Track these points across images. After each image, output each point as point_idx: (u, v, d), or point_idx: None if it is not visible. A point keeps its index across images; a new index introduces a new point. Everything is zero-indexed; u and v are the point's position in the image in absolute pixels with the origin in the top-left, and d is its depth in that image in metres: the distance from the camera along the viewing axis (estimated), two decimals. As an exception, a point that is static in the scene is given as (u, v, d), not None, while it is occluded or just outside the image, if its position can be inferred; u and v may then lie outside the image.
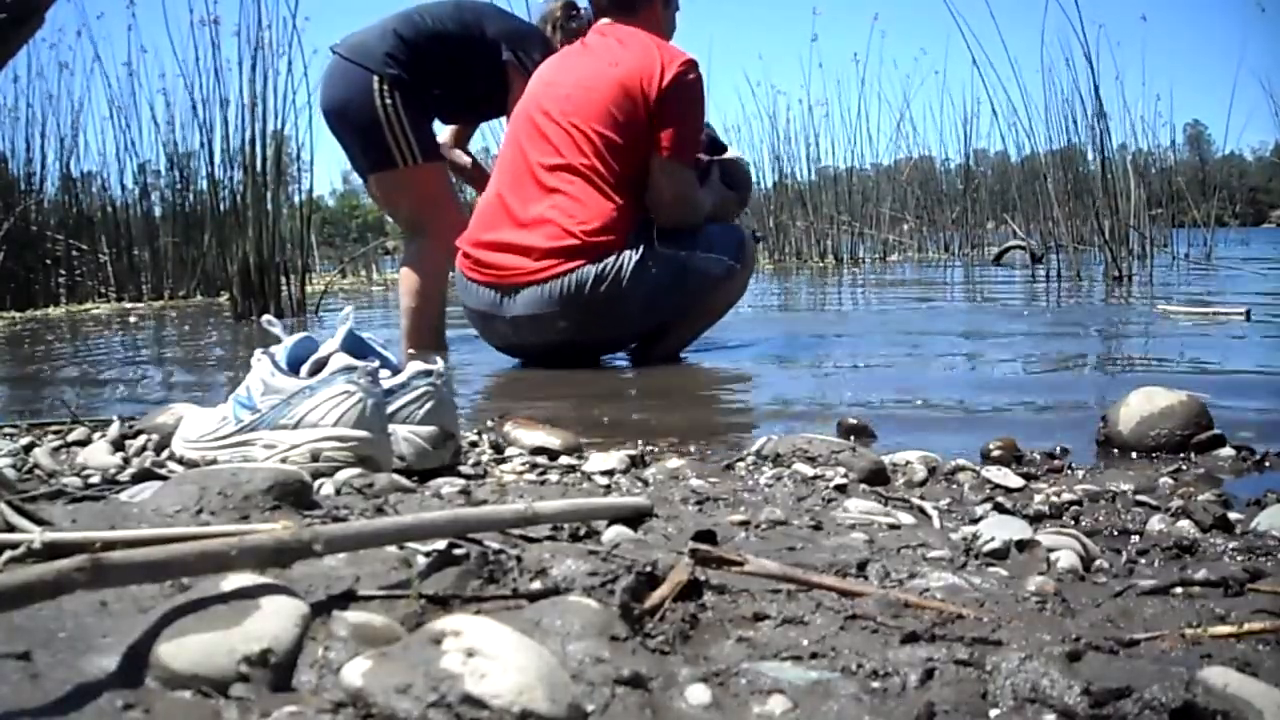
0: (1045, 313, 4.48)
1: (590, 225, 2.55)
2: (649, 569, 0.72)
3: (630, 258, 2.57)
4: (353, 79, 2.99)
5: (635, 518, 0.97)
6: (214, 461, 1.27)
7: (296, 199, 6.43)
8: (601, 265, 2.54)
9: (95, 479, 1.24)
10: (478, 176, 3.47)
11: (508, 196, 2.68)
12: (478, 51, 3.00)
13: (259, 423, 1.27)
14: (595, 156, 2.59)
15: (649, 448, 1.52)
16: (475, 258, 2.69)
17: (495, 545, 0.79)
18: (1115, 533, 1.05)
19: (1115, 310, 4.58)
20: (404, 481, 1.15)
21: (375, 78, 2.94)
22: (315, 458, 1.21)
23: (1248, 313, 3.55)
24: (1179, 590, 0.83)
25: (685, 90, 2.66)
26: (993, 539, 0.93)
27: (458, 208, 3.16)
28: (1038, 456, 1.44)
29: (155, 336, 4.62)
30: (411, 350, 3.00)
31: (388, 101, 2.93)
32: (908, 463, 1.36)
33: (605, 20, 2.83)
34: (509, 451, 1.48)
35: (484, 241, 2.69)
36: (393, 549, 0.77)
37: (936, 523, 1.07)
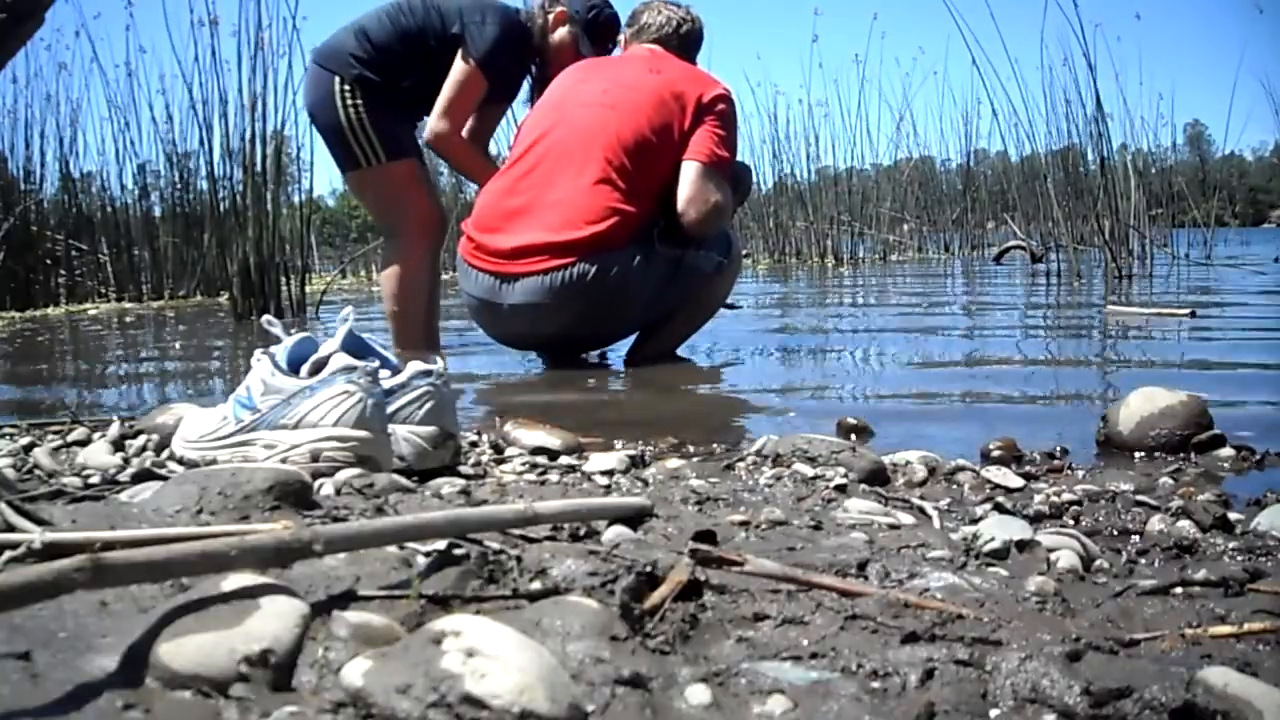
0: (1042, 313, 4.48)
1: (597, 222, 2.55)
2: (649, 569, 0.72)
3: (631, 256, 2.57)
4: (319, 82, 3.03)
5: (635, 518, 0.97)
6: (214, 461, 1.27)
7: (296, 199, 6.46)
8: (602, 262, 2.54)
9: (95, 479, 1.24)
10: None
11: (520, 183, 2.68)
12: (448, 45, 2.99)
13: (259, 423, 1.27)
14: (620, 153, 2.59)
15: (649, 448, 1.52)
16: (478, 242, 2.68)
17: (495, 545, 0.79)
18: (1115, 533, 1.05)
19: (1078, 308, 4.61)
20: (404, 481, 1.15)
21: (337, 79, 2.97)
22: (315, 458, 1.21)
23: (1192, 312, 3.68)
24: (1179, 590, 0.83)
25: (726, 107, 2.71)
26: (993, 539, 0.93)
27: (427, 202, 3.14)
28: (1038, 456, 1.44)
29: (155, 336, 4.61)
30: (400, 353, 2.99)
31: (349, 102, 2.95)
32: (908, 463, 1.36)
33: (648, 46, 2.85)
34: (509, 451, 1.48)
35: (488, 226, 2.68)
36: (393, 549, 0.77)
37: (936, 523, 1.07)
